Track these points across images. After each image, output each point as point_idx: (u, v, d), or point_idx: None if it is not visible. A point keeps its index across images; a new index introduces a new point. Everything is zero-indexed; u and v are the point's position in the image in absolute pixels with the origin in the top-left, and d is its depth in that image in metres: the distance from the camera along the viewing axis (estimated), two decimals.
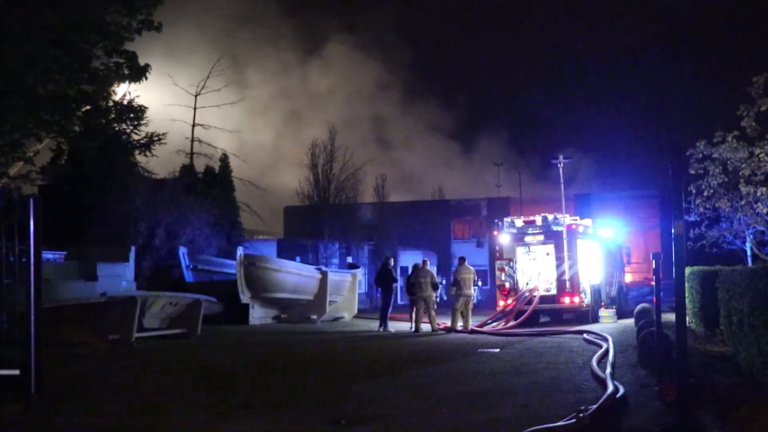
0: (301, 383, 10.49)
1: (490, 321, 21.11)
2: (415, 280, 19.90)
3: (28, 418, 7.92)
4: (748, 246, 19.16)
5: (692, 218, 18.67)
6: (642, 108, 75.03)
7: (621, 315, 22.18)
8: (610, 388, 8.54)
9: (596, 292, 22.56)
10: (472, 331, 18.99)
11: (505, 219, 23.16)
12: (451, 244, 48.32)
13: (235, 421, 7.86)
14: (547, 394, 9.06)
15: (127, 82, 19.17)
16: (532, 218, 22.67)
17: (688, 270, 14.12)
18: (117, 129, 24.28)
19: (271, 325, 21.89)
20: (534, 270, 21.98)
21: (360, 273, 28.33)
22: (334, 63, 66.12)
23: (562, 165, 26.53)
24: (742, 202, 17.95)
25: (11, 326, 11.71)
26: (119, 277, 19.63)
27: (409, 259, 36.68)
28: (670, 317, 10.38)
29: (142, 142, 25.65)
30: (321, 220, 35.22)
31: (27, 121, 17.20)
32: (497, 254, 22.66)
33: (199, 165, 30.47)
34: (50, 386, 8.57)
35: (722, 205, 18.41)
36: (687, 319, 11.83)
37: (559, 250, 21.59)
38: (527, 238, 22.15)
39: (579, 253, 21.68)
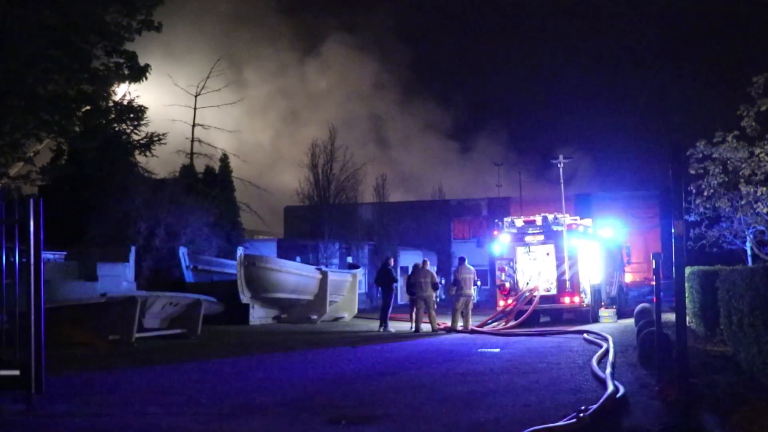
0: (301, 383, 10.49)
1: (490, 321, 21.12)
2: (415, 280, 19.91)
3: (28, 418, 7.92)
4: (748, 246, 19.14)
5: (692, 218, 18.66)
6: (642, 108, 75.03)
7: (621, 315, 22.19)
8: (611, 387, 8.55)
9: (596, 292, 22.57)
10: (473, 331, 19.01)
11: (505, 219, 23.20)
12: (451, 244, 48.34)
13: (235, 420, 7.87)
14: (547, 394, 9.07)
15: (127, 82, 19.23)
16: (532, 218, 22.70)
17: (688, 270, 14.11)
18: (117, 129, 24.28)
19: (271, 325, 21.90)
20: (534, 270, 22.00)
21: (360, 273, 28.32)
22: (333, 63, 66.19)
23: (562, 165, 26.49)
24: (742, 202, 17.93)
25: (11, 326, 11.69)
26: (119, 278, 19.57)
27: (409, 259, 36.71)
28: (670, 317, 10.40)
29: (142, 142, 25.67)
30: (321, 220, 35.24)
31: (27, 121, 17.23)
32: (497, 254, 22.68)
33: (199, 165, 30.58)
34: (50, 386, 8.57)
35: (722, 205, 18.40)
36: (687, 319, 11.84)
37: (559, 250, 21.62)
38: (527, 238, 22.17)
39: (579, 253, 21.71)
